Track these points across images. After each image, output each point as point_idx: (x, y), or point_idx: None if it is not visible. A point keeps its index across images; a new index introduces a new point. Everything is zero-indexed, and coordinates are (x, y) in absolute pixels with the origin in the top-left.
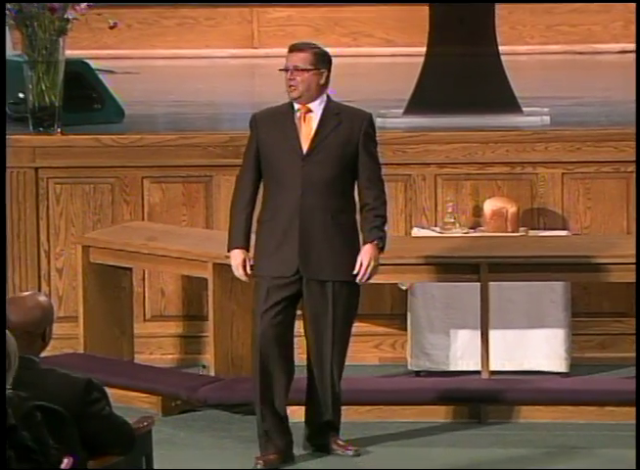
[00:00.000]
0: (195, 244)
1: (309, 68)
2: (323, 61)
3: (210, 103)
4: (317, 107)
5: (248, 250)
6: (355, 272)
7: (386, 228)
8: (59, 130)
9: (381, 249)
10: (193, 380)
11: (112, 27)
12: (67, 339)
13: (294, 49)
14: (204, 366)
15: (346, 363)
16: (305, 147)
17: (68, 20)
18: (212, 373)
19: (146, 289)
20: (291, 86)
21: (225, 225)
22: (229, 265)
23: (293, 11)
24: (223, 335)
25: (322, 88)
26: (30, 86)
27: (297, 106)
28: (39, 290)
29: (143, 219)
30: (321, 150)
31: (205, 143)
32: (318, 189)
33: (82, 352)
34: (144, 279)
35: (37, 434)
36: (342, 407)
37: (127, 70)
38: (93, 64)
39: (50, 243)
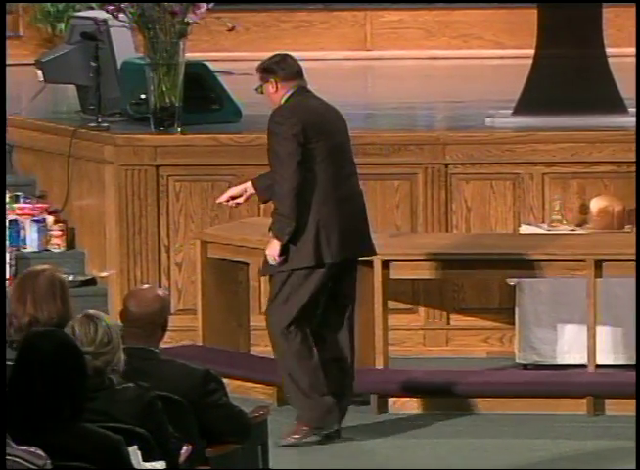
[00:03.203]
0: None
1: (261, 83)
2: (267, 71)
3: None
4: None
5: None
6: None
7: (281, 215)
8: (179, 130)
9: (276, 235)
10: None
11: (230, 30)
12: (185, 331)
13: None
14: None
15: (455, 356)
16: None
17: (188, 23)
18: None
19: (262, 283)
20: None
21: None
22: None
23: (405, 14)
24: None
25: (275, 94)
26: (152, 87)
27: None
28: (159, 284)
29: (259, 216)
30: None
31: None
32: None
33: (200, 343)
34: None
35: (157, 422)
36: (449, 399)
37: (245, 72)
38: (212, 66)
39: (170, 238)
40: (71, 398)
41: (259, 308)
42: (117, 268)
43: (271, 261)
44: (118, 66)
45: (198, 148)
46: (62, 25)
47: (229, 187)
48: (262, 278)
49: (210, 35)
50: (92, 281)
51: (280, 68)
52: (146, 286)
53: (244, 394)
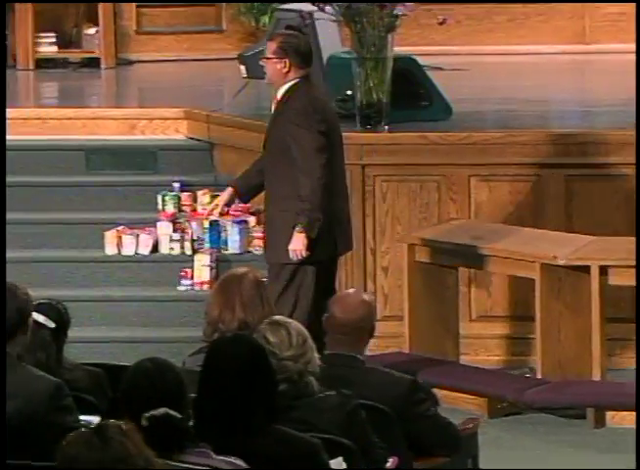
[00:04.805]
0: (522, 244)
1: (271, 56)
2: (285, 50)
3: (539, 100)
4: (280, 93)
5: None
6: None
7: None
8: (386, 128)
9: (305, 230)
10: (519, 382)
11: (441, 24)
12: (392, 337)
13: (267, 39)
14: (530, 368)
15: None
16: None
17: (396, 16)
18: (539, 375)
19: (472, 289)
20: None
21: (553, 225)
22: (557, 266)
23: (626, 6)
24: (550, 337)
25: (285, 75)
26: (358, 83)
27: None
28: (365, 288)
29: (469, 218)
30: (268, 138)
31: (533, 141)
32: (270, 177)
33: (407, 351)
34: (469, 278)
35: (361, 432)
36: None
37: (456, 67)
38: (421, 60)
39: (376, 241)
40: (265, 400)
41: (469, 315)
42: None
43: (294, 257)
44: (324, 60)
45: (406, 146)
46: (266, 18)
47: (438, 188)
48: (472, 283)
49: (420, 28)
50: None
51: (299, 53)
52: (351, 290)
53: (453, 404)
